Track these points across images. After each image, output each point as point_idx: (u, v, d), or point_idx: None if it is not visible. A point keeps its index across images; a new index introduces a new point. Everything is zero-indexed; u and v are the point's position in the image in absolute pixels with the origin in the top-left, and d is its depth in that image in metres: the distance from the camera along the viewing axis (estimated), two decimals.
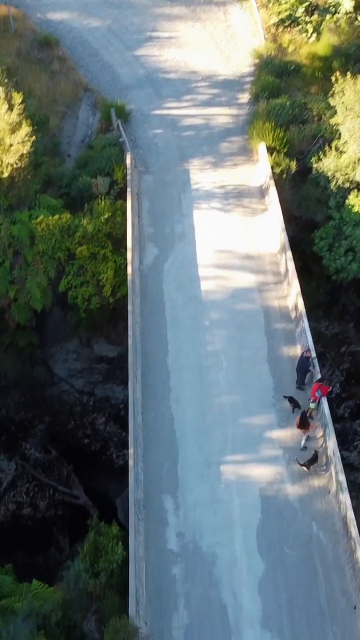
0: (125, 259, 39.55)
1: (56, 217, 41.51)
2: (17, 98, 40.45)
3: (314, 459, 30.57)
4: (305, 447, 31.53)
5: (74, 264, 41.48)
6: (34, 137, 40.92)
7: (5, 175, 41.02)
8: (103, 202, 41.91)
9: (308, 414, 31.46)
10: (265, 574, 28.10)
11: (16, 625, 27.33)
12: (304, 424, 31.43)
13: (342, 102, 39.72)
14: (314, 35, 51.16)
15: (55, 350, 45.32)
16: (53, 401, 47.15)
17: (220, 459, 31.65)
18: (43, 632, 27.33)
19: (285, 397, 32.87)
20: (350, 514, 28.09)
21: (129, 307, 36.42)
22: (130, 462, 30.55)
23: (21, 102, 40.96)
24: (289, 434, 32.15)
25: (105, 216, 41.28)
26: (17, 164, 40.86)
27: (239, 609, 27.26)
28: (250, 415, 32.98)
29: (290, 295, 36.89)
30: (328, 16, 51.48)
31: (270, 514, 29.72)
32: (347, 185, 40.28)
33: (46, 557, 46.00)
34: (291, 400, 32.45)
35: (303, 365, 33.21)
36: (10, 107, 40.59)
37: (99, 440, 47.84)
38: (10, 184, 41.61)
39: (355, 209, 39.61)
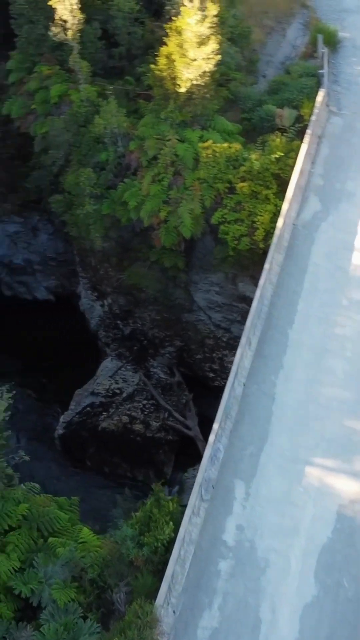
0: None
1: (225, 145, 38.75)
2: (212, 9, 36.98)
3: None
4: None
5: (232, 199, 38.85)
6: (219, 56, 37.65)
7: (183, 90, 38.42)
8: (278, 139, 38.48)
9: None
10: (314, 600, 25.86)
11: (54, 569, 27.05)
12: None
13: None
14: None
15: (199, 279, 43.58)
16: (187, 327, 45.95)
17: (308, 457, 29.09)
18: (76, 584, 26.86)
19: None
20: None
21: (266, 265, 33.66)
22: (211, 437, 28.72)
23: (217, 14, 37.45)
24: None
25: (277, 155, 37.95)
26: (197, 80, 38.02)
27: (274, 629, 25.38)
28: (358, 419, 29.80)
29: None
30: None
31: (341, 535, 27.10)
32: None
33: (146, 477, 46.02)
34: None
35: None
36: (204, 18, 37.29)
37: (224, 377, 46.03)
38: (187, 99, 39.08)
39: None
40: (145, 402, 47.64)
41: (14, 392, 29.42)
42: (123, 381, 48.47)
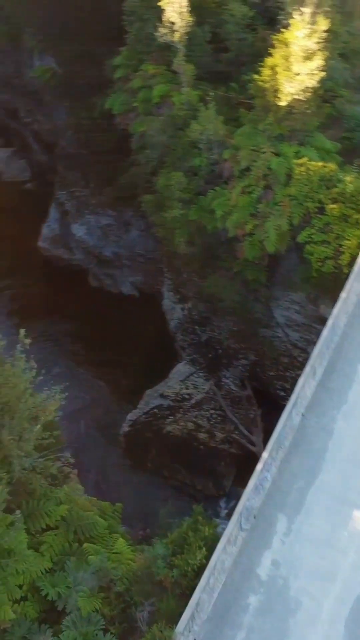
0: None
1: (320, 163, 37.69)
2: (322, 24, 35.89)
3: None
4: None
5: (321, 219, 37.83)
6: (324, 73, 36.55)
7: (283, 103, 37.56)
8: None
9: None
10: None
11: (84, 575, 26.88)
12: None
13: None
14: None
15: (280, 295, 42.71)
16: (263, 342, 45.14)
17: (358, 501, 27.90)
18: (103, 595, 26.62)
19: None
20: None
21: (343, 294, 32.56)
22: (259, 466, 28.00)
23: (327, 30, 36.33)
24: None
25: None
26: (298, 95, 37.07)
27: None
28: None
29: None
30: None
31: None
32: None
33: (205, 486, 45.64)
34: None
35: None
36: (312, 32, 36.24)
37: None
38: (287, 113, 38.22)
39: None
40: (212, 411, 47.15)
41: (66, 394, 28.95)
42: (193, 387, 48.10)
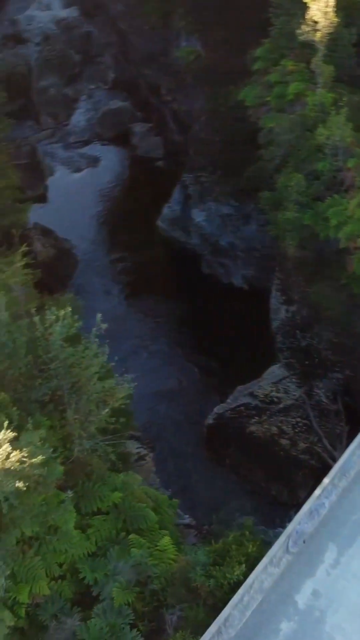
0: None
1: None
2: None
3: None
4: None
5: None
6: None
7: None
8: None
9: None
10: None
11: (124, 567, 27.01)
12: None
13: None
14: None
15: None
16: None
17: None
18: (138, 590, 26.67)
19: None
20: None
21: None
22: (317, 491, 27.20)
23: None
24: None
25: None
26: None
27: None
28: None
29: None
30: None
31: None
32: None
33: (279, 492, 45.00)
34: None
35: None
36: None
37: None
38: None
39: None
40: (298, 419, 46.23)
41: (136, 383, 28.93)
42: (284, 392, 47.30)
